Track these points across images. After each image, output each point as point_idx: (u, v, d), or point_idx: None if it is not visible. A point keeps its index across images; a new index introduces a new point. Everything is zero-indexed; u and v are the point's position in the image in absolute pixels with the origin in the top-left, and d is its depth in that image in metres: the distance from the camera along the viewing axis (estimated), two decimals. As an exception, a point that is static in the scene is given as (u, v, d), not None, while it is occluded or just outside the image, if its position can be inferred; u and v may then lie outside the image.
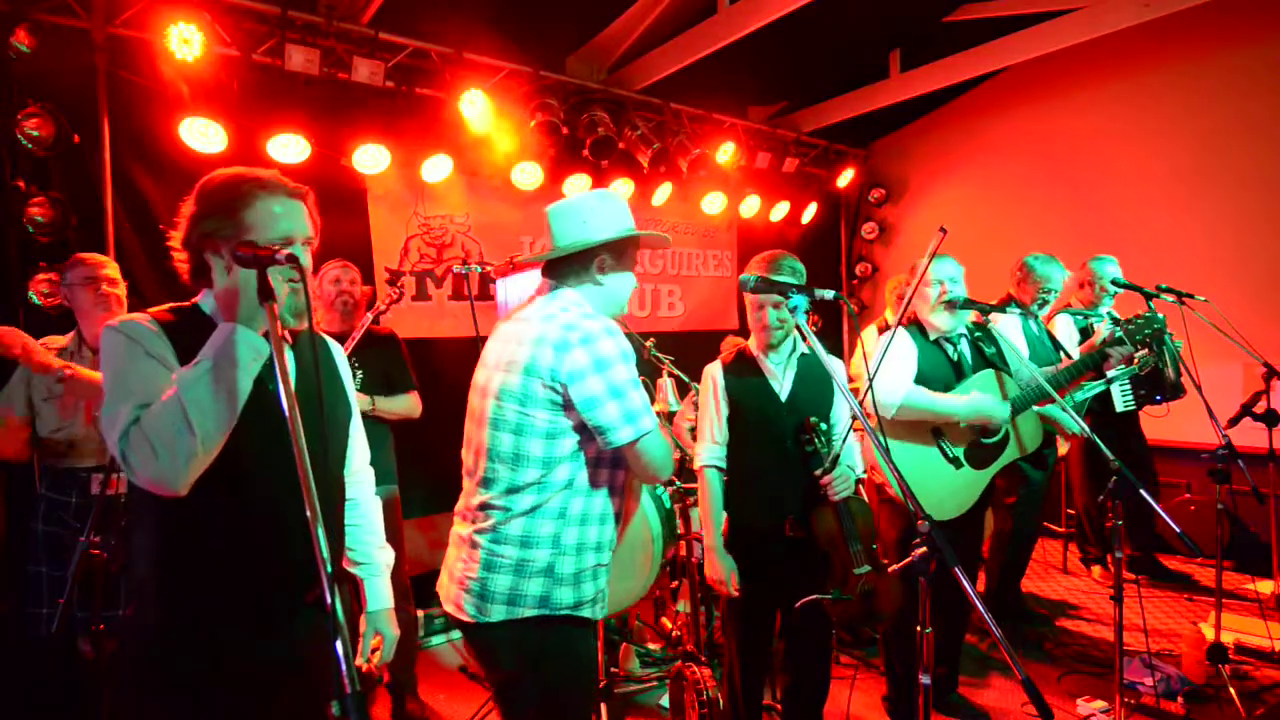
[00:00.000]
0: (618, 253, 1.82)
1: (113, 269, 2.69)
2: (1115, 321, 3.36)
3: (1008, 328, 3.47)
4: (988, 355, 2.94)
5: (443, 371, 4.03)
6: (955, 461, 2.82)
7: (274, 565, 1.43)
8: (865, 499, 2.49)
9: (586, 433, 1.68)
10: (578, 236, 1.78)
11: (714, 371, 2.58)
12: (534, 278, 1.98)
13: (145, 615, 1.42)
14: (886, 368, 2.74)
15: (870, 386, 2.58)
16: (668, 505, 3.35)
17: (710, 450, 2.53)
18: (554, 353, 1.63)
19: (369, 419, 3.02)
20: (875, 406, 2.66)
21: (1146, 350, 3.41)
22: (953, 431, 2.83)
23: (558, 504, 1.69)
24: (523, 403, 1.67)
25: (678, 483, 3.41)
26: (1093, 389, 3.75)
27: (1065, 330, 4.01)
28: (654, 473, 1.73)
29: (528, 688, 1.71)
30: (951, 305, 2.79)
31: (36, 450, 2.65)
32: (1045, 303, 3.77)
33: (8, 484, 3.05)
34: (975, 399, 2.75)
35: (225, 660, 1.40)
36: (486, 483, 1.72)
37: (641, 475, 1.77)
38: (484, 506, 1.71)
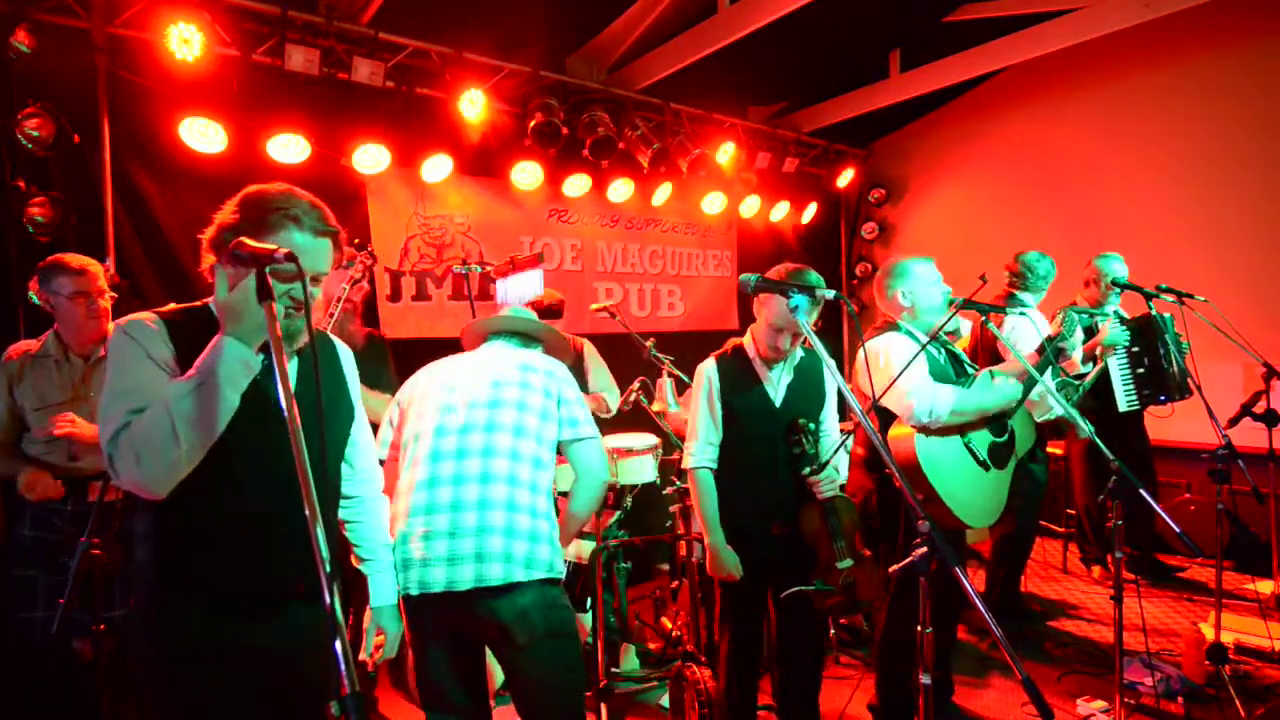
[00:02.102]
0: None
1: (102, 278, 2.64)
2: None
3: (1022, 325, 3.47)
4: (958, 355, 2.89)
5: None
6: (985, 464, 2.76)
7: (262, 557, 1.50)
8: (849, 497, 2.51)
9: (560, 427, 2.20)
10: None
11: (709, 371, 2.56)
12: (533, 278, 2.38)
13: (141, 605, 1.50)
14: (912, 375, 2.58)
15: (908, 394, 2.55)
16: None
17: (703, 450, 2.53)
18: (545, 376, 2.19)
19: None
20: (913, 415, 2.54)
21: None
22: (975, 434, 2.75)
23: (550, 481, 2.16)
24: (535, 401, 2.14)
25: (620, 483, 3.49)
26: (1083, 387, 3.76)
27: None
28: (597, 468, 2.19)
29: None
30: (963, 308, 2.75)
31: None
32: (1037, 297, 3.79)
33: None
34: (998, 386, 2.66)
35: (216, 644, 1.47)
36: (514, 455, 2.06)
37: (588, 470, 2.19)
38: (511, 479, 2.03)
